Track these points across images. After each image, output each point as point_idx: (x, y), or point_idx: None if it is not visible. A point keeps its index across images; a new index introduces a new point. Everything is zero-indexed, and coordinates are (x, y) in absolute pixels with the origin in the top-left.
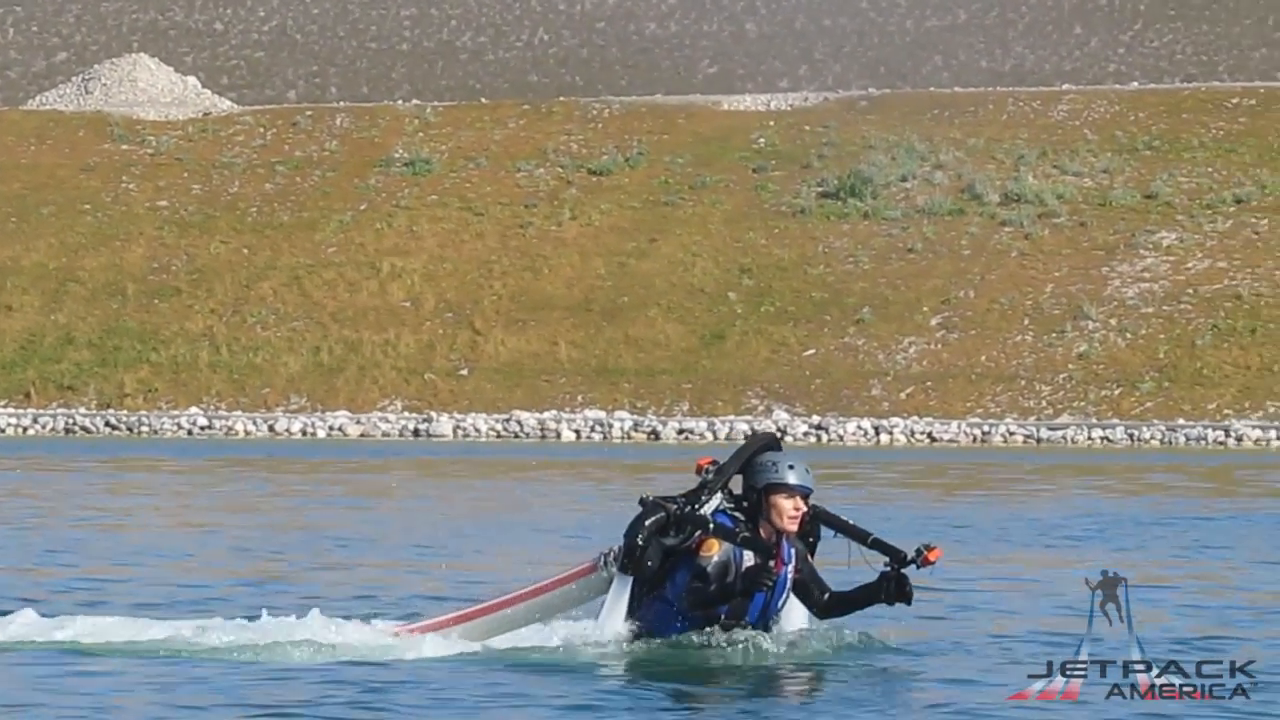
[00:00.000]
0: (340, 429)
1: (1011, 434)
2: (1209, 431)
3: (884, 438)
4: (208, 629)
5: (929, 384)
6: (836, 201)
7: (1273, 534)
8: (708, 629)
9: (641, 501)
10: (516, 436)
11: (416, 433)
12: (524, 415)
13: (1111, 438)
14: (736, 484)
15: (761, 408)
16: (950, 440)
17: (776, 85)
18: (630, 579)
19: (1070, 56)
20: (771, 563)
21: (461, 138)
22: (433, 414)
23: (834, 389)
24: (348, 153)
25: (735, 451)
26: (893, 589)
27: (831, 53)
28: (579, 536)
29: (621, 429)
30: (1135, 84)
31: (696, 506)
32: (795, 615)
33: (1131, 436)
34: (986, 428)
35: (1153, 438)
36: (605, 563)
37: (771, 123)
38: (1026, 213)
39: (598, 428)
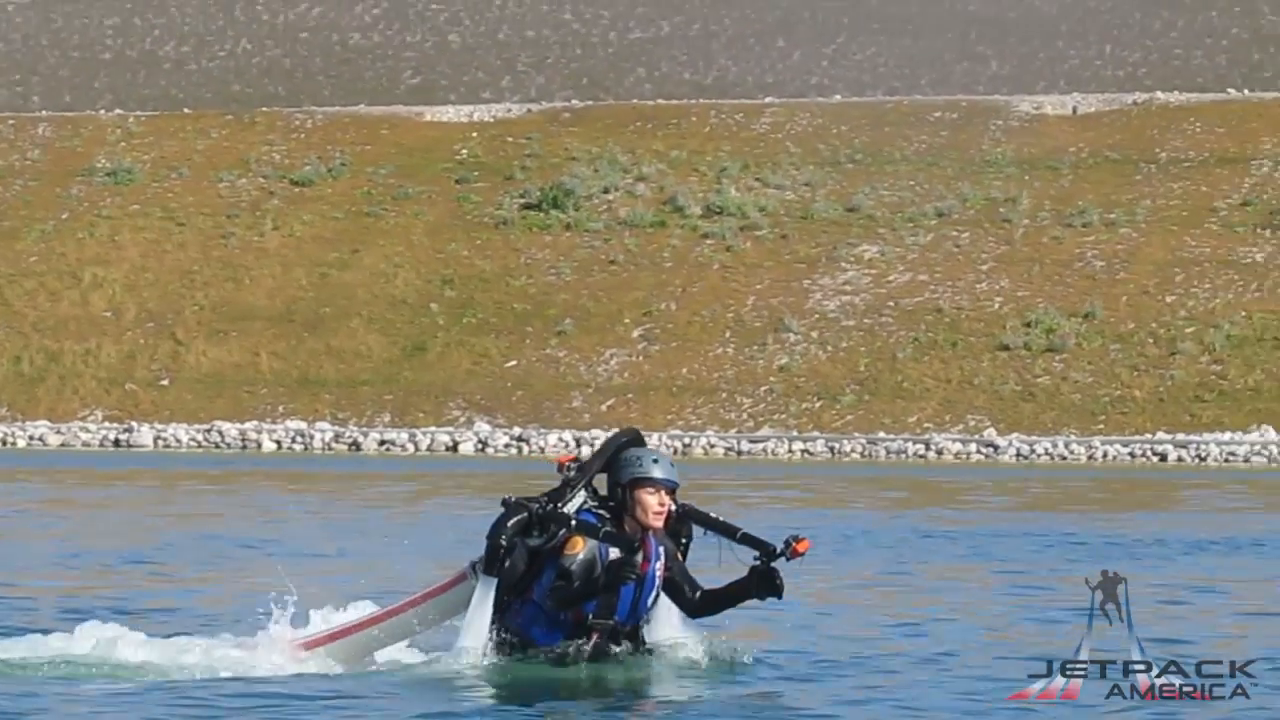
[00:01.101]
0: (40, 439)
1: (712, 446)
2: (909, 445)
3: (585, 449)
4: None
5: (630, 396)
6: (539, 213)
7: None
8: (578, 640)
9: (504, 502)
10: (217, 447)
11: (117, 443)
12: (225, 426)
13: (812, 450)
14: (602, 483)
15: (463, 419)
16: None
17: (479, 96)
18: (494, 582)
19: (773, 69)
20: (636, 558)
21: (164, 147)
22: (134, 424)
23: (535, 401)
24: (50, 162)
25: (598, 448)
26: (763, 583)
27: (535, 64)
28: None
29: (323, 440)
30: (838, 97)
31: (559, 505)
32: (667, 616)
33: (832, 449)
34: (688, 440)
35: (853, 450)
36: (475, 570)
37: (474, 134)
38: (728, 225)
39: (299, 438)
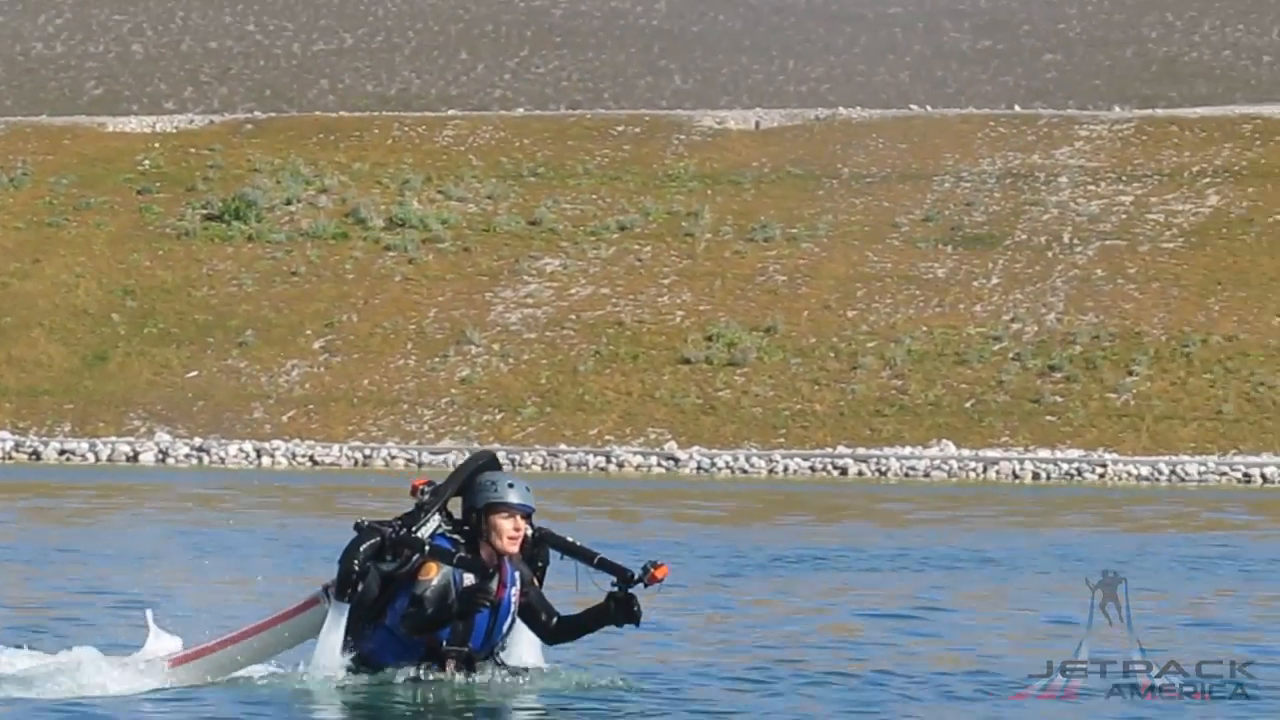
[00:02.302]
0: None
1: (394, 458)
2: (590, 457)
3: (266, 460)
4: None
5: (311, 407)
6: (221, 224)
7: None
8: (430, 662)
9: (356, 526)
10: None
11: None
12: None
13: None
14: (457, 507)
15: (144, 429)
16: (332, 463)
17: (162, 107)
18: (346, 607)
19: (457, 82)
20: (490, 584)
21: None
22: None
23: (217, 411)
24: None
25: (453, 472)
26: (620, 610)
27: (218, 75)
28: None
29: (3, 449)
30: (521, 110)
31: (413, 529)
32: (523, 641)
33: (513, 461)
34: (369, 451)
35: (534, 463)
36: (328, 594)
37: (157, 145)
38: (411, 238)
39: None
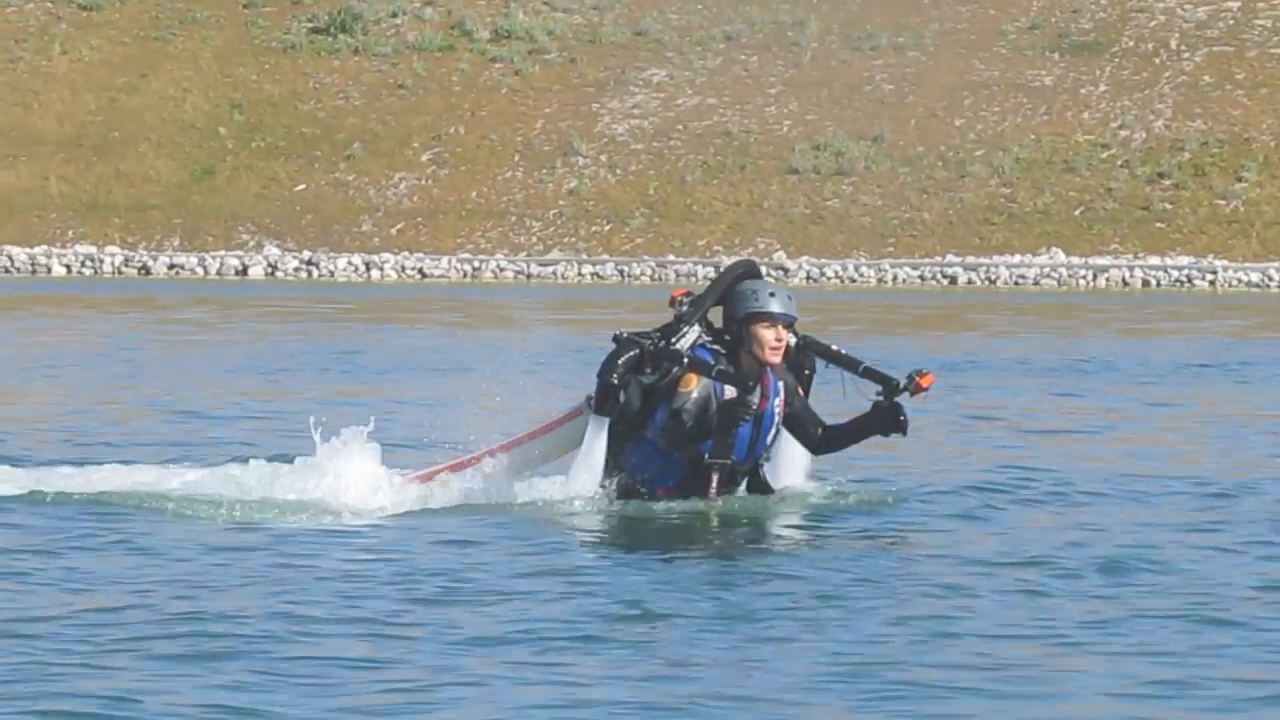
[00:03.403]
0: None
1: (502, 270)
2: (698, 268)
3: (374, 274)
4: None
5: (419, 220)
6: (327, 37)
7: None
8: (693, 475)
9: (615, 338)
10: (7, 271)
11: None
12: (14, 250)
13: (602, 274)
14: (718, 317)
15: (253, 243)
16: (441, 276)
17: None
18: (606, 420)
19: None
20: (751, 397)
21: None
22: None
23: (325, 225)
24: None
25: (712, 281)
26: (886, 419)
27: None
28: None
29: (112, 264)
30: None
31: (672, 341)
32: (789, 457)
33: (622, 273)
34: (477, 264)
35: (643, 274)
36: (590, 405)
37: None
38: (517, 49)
39: (89, 263)
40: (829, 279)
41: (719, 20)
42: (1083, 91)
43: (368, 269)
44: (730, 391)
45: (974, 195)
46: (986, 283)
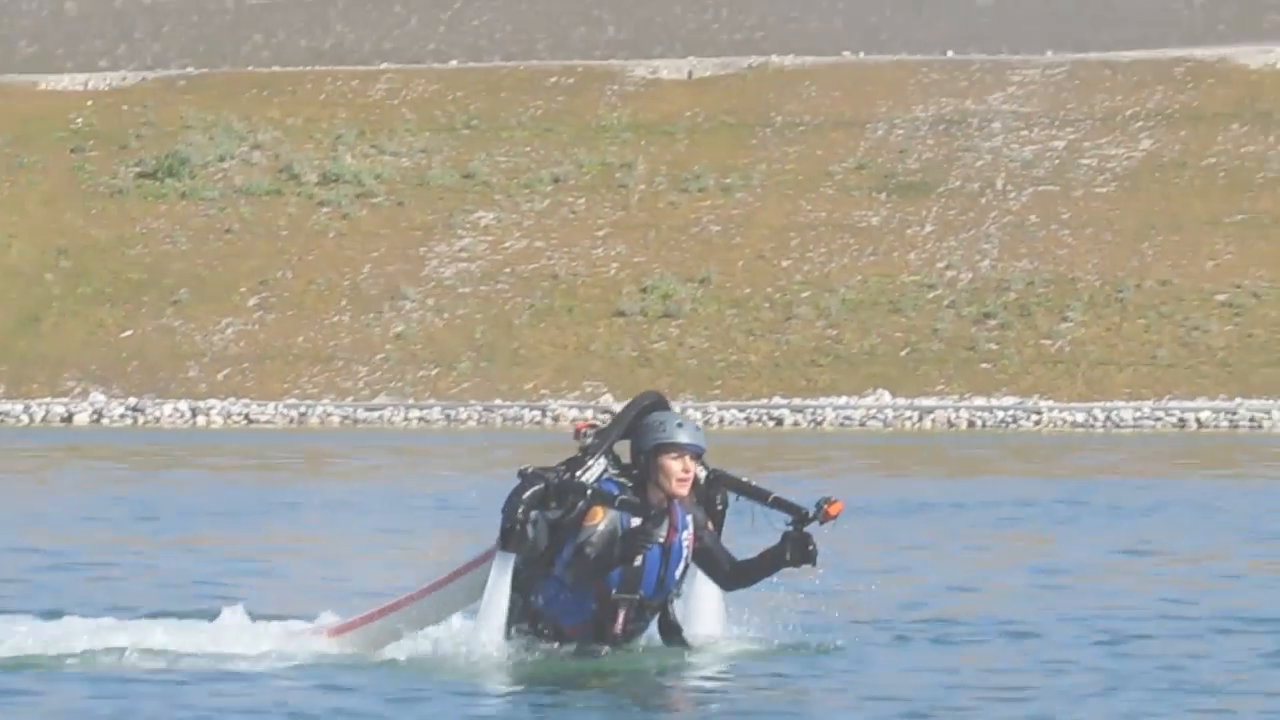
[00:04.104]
0: None
1: (329, 415)
2: (526, 411)
3: (200, 419)
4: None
5: (246, 365)
6: (155, 182)
7: None
8: (601, 612)
9: (520, 473)
10: None
11: None
12: None
13: (428, 418)
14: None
15: (79, 390)
16: (268, 422)
17: (96, 65)
18: (511, 558)
19: (390, 35)
20: (657, 527)
21: None
22: None
23: (151, 370)
24: None
25: (618, 413)
26: (797, 549)
27: (151, 32)
28: None
29: None
30: (454, 62)
31: (577, 475)
32: (702, 602)
33: (448, 417)
34: (304, 409)
35: (469, 418)
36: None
37: (90, 102)
38: (345, 193)
39: None
40: None
41: (547, 162)
42: (909, 232)
43: (194, 415)
44: (637, 523)
45: (800, 336)
46: (813, 424)
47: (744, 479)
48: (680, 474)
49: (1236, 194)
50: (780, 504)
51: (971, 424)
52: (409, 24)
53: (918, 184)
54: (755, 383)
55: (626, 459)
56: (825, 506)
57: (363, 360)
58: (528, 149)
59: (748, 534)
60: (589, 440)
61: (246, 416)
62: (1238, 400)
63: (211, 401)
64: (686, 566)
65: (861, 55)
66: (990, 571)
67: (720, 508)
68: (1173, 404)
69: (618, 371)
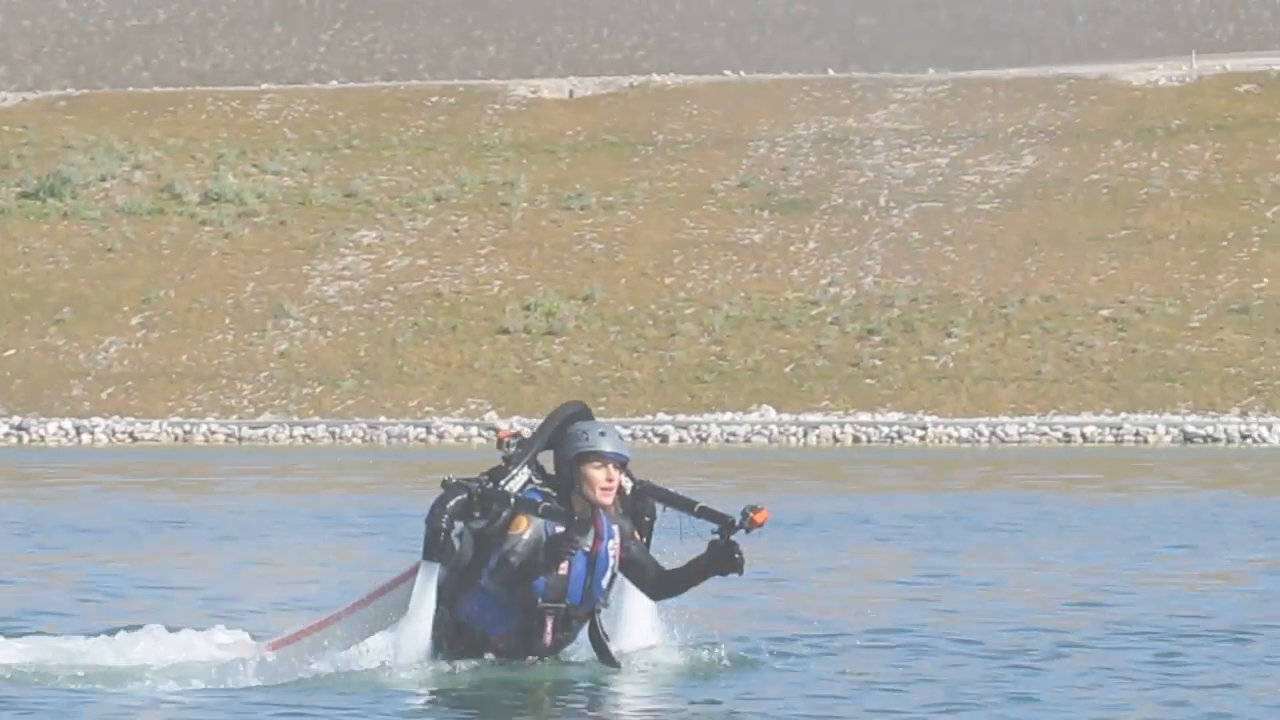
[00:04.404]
0: None
1: (213, 433)
2: (410, 429)
3: (85, 437)
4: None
5: (130, 384)
6: (36, 202)
7: None
8: (527, 623)
9: (443, 484)
10: None
11: None
12: None
13: (313, 435)
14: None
15: None
16: (152, 440)
17: None
18: (435, 568)
19: (271, 55)
20: (585, 535)
21: None
22: None
23: (35, 389)
24: None
25: (542, 423)
26: (723, 558)
27: (31, 53)
28: None
29: None
30: (335, 83)
31: (501, 484)
32: (632, 601)
33: (333, 434)
34: (188, 427)
35: (354, 435)
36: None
37: None
38: (227, 212)
39: None
40: None
41: (429, 181)
42: (792, 249)
43: (78, 433)
44: (562, 530)
45: (684, 353)
46: (697, 440)
47: (670, 489)
48: (604, 483)
49: (1119, 210)
50: (706, 513)
51: (857, 439)
52: (289, 44)
53: (800, 201)
54: (640, 399)
55: (551, 470)
56: (751, 515)
57: (247, 378)
58: (409, 168)
59: (675, 545)
60: (512, 449)
61: (131, 435)
62: (1122, 415)
63: (96, 420)
64: (614, 576)
65: (743, 74)
66: (881, 584)
67: (648, 519)
68: (1057, 419)
69: (502, 389)
